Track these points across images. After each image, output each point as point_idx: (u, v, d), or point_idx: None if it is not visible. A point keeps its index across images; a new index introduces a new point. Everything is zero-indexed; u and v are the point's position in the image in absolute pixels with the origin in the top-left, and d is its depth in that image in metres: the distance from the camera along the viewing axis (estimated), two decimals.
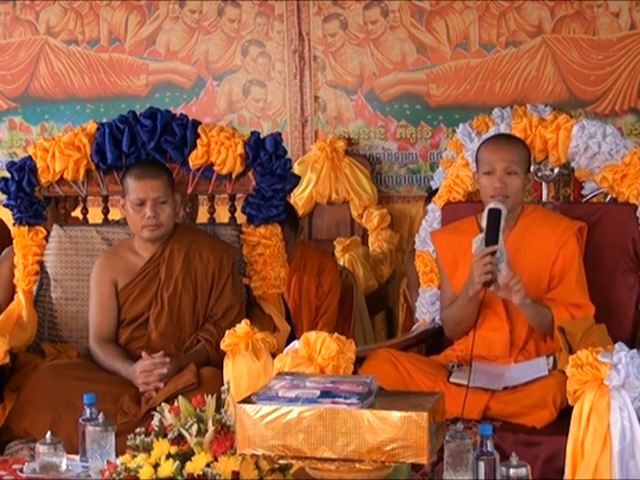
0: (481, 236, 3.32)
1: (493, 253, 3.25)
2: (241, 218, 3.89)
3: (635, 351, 2.94)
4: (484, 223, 3.33)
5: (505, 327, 3.42)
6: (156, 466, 2.37)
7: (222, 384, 2.73)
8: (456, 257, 3.52)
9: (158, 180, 3.58)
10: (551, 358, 3.32)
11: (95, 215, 4.09)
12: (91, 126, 3.87)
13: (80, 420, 2.83)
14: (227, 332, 3.34)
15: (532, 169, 3.99)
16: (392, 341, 4.09)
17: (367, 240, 5.88)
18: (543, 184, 4.12)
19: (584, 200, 4.52)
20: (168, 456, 2.37)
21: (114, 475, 2.41)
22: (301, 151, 6.10)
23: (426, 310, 3.84)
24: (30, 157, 3.87)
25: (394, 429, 2.29)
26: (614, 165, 3.66)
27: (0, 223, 4.91)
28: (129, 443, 2.47)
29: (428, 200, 4.42)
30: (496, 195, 3.41)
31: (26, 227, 3.87)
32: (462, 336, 3.50)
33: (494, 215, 3.30)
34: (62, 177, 3.86)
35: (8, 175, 3.86)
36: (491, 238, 3.28)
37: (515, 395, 3.17)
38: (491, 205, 3.35)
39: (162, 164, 3.75)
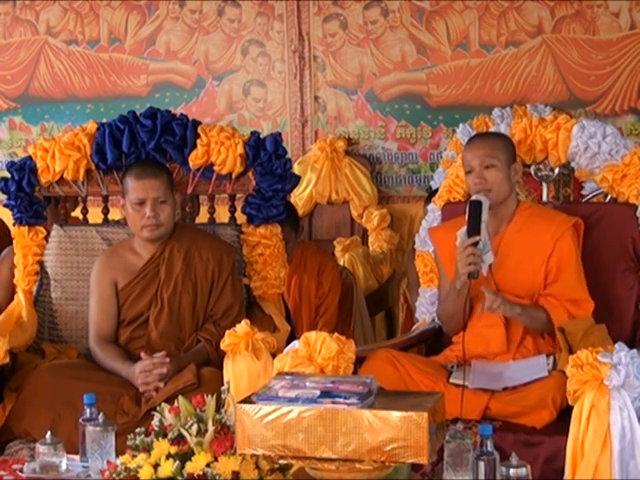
0: (464, 228, 3.36)
1: (476, 244, 3.29)
2: (241, 218, 3.89)
3: (635, 351, 2.94)
4: (466, 216, 3.36)
5: (500, 322, 3.43)
6: (156, 466, 2.37)
7: (222, 384, 2.73)
8: (454, 253, 3.52)
9: (158, 180, 3.58)
10: (551, 358, 3.33)
11: (95, 215, 4.09)
12: (91, 126, 3.87)
13: (80, 420, 2.82)
14: (227, 332, 3.34)
15: (532, 169, 4.00)
16: (392, 341, 4.09)
17: (367, 240, 5.88)
18: (543, 184, 4.11)
19: (584, 200, 4.52)
20: (168, 456, 2.37)
21: (114, 475, 2.41)
22: (301, 151, 6.10)
23: (426, 310, 3.85)
24: (30, 157, 3.87)
25: (394, 429, 2.30)
26: (614, 165, 3.66)
27: (0, 223, 4.90)
28: (129, 443, 2.47)
29: (428, 200, 4.42)
30: (478, 191, 3.45)
31: (26, 227, 3.87)
32: (458, 330, 3.51)
33: (475, 207, 3.35)
34: (62, 177, 3.86)
35: (8, 175, 3.86)
36: (473, 229, 3.32)
37: (515, 395, 3.17)
38: (472, 197, 3.39)
39: (162, 164, 3.76)
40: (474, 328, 3.42)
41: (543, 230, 3.47)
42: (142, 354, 3.44)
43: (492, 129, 4.04)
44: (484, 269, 3.32)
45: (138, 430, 2.49)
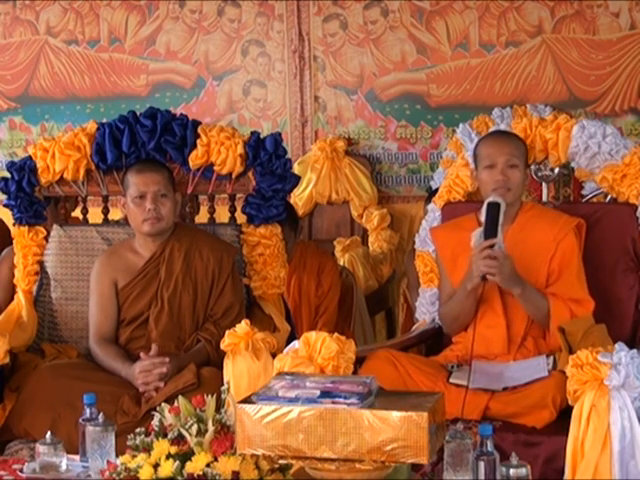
0: (480, 230, 3.34)
1: (492, 246, 3.27)
2: (241, 218, 3.89)
3: (635, 351, 2.95)
4: (483, 217, 3.35)
5: (502, 323, 3.43)
6: (156, 466, 2.37)
7: (222, 384, 2.72)
8: (455, 253, 3.53)
9: (159, 174, 3.60)
10: (551, 358, 3.33)
11: (95, 215, 4.09)
12: (91, 126, 3.87)
13: (80, 420, 2.82)
14: (227, 332, 3.34)
15: (532, 169, 4.00)
16: (392, 341, 4.10)
17: (367, 240, 5.88)
18: (543, 184, 4.12)
19: (584, 200, 4.52)
20: (168, 456, 2.37)
21: (114, 475, 2.41)
22: (301, 151, 6.10)
23: (426, 310, 3.84)
24: (30, 157, 3.87)
25: (394, 429, 2.29)
26: (614, 165, 3.66)
27: (0, 223, 4.90)
28: (129, 443, 2.47)
29: (428, 200, 4.42)
30: (498, 188, 3.42)
31: (26, 227, 3.87)
32: (460, 331, 3.51)
33: (493, 208, 3.33)
34: (62, 177, 3.86)
35: (8, 175, 3.86)
36: (490, 231, 3.30)
37: (515, 395, 3.17)
38: (490, 199, 3.37)
39: (162, 162, 3.76)
40: (475, 328, 3.42)
41: (546, 231, 3.47)
42: (141, 354, 3.44)
43: (492, 129, 4.04)
44: None
45: (138, 430, 2.49)
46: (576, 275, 3.43)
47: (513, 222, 3.51)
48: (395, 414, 2.30)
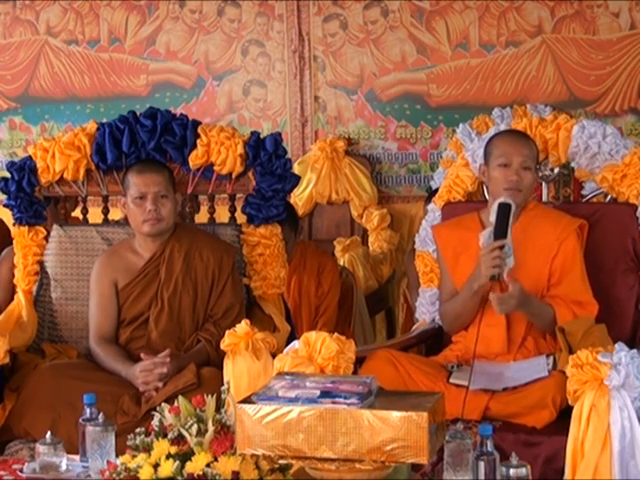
0: (489, 230, 3.34)
1: (502, 247, 3.27)
2: (241, 218, 3.89)
3: (635, 351, 2.95)
4: (493, 217, 3.34)
5: (502, 322, 3.42)
6: (156, 466, 2.37)
7: (222, 384, 2.72)
8: (457, 252, 3.53)
9: (159, 175, 3.60)
10: (551, 358, 3.32)
11: (95, 215, 4.09)
12: (91, 126, 3.87)
13: (80, 420, 2.82)
14: (227, 332, 3.34)
15: None
16: (392, 341, 4.10)
17: (367, 240, 5.88)
18: (543, 184, 4.12)
19: (584, 200, 4.51)
20: (168, 456, 2.37)
21: (114, 475, 2.41)
22: (301, 151, 6.10)
23: (426, 310, 3.84)
24: (30, 157, 3.87)
25: (394, 429, 2.29)
26: (614, 165, 3.66)
27: (0, 223, 4.90)
28: (129, 443, 2.47)
29: (428, 200, 4.42)
30: (510, 188, 3.41)
31: (26, 227, 3.87)
32: (460, 330, 3.51)
33: (504, 209, 3.33)
34: (62, 177, 3.86)
35: (8, 175, 3.86)
36: (500, 232, 3.30)
37: (515, 395, 3.17)
38: (501, 199, 3.36)
39: (163, 163, 3.76)
40: (475, 327, 3.42)
41: (549, 231, 3.46)
42: (142, 354, 3.44)
43: (492, 129, 4.03)
44: (505, 273, 3.30)
45: (138, 430, 2.49)
46: (580, 277, 3.43)
47: (516, 221, 3.51)
48: (395, 414, 2.30)
